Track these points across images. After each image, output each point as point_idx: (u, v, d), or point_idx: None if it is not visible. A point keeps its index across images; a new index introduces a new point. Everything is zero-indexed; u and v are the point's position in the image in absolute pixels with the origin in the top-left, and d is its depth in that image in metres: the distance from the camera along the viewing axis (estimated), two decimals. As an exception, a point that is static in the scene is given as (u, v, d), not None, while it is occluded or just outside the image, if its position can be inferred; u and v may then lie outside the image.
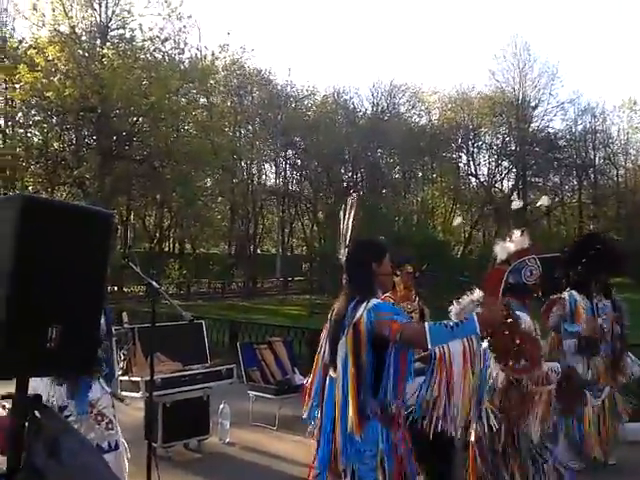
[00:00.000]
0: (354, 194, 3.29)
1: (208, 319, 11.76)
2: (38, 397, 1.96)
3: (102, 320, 4.09)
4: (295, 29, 58.98)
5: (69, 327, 1.88)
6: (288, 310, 19.03)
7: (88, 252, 1.95)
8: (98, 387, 3.98)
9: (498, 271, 3.65)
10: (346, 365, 2.67)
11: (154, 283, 3.74)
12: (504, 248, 3.61)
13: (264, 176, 33.55)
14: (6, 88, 19.66)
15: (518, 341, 2.96)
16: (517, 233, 3.58)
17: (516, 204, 4.12)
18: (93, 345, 2.01)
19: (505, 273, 3.58)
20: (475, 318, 2.54)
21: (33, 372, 1.91)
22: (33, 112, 19.92)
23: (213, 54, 20.12)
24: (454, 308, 3.70)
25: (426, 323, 2.62)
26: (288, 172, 33.08)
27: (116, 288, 17.47)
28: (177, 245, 31.03)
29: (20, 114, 20.03)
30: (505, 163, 35.79)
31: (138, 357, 5.59)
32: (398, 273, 6.22)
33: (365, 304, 2.65)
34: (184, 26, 19.70)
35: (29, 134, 21.66)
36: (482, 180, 36.05)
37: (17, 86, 17.88)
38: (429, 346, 2.53)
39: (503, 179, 36.54)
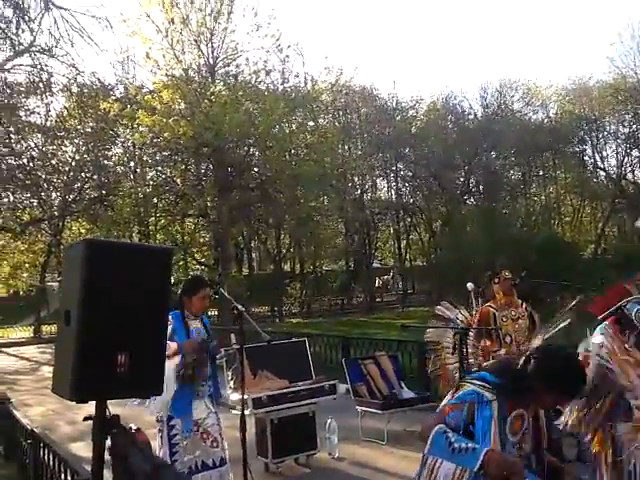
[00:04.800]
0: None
1: (323, 336, 12.17)
2: (115, 418, 2.21)
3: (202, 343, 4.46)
4: (396, 40, 58.90)
5: (136, 353, 2.12)
6: (412, 324, 18.87)
7: (150, 285, 2.19)
8: (203, 407, 4.28)
9: (621, 290, 3.19)
10: None
11: (240, 307, 4.01)
12: None
13: (378, 191, 33.78)
14: (131, 132, 21.70)
15: None
16: None
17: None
18: (159, 369, 2.23)
19: (624, 293, 3.14)
20: (482, 455, 2.36)
21: (107, 395, 2.15)
22: (155, 152, 21.80)
23: (312, 79, 20.78)
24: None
25: (437, 427, 2.45)
26: (400, 184, 33.02)
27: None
28: (298, 265, 32.01)
29: (145, 156, 21.95)
30: (635, 152, 33.05)
31: (246, 376, 5.92)
32: (497, 280, 6.05)
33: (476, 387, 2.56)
34: (287, 56, 20.58)
35: (157, 173, 23.68)
36: (611, 172, 33.59)
37: (141, 129, 19.71)
38: (426, 451, 2.47)
39: (634, 169, 33.77)
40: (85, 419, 2.21)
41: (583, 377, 2.55)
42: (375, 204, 31.70)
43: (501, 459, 2.39)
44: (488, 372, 2.63)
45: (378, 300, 30.30)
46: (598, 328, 3.16)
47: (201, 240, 24.79)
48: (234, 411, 5.17)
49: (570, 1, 52.71)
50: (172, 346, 4.01)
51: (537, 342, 2.71)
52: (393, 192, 32.83)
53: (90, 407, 2.13)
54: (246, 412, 5.40)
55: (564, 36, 54.75)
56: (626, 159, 33.22)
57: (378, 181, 33.61)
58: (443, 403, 2.64)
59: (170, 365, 3.89)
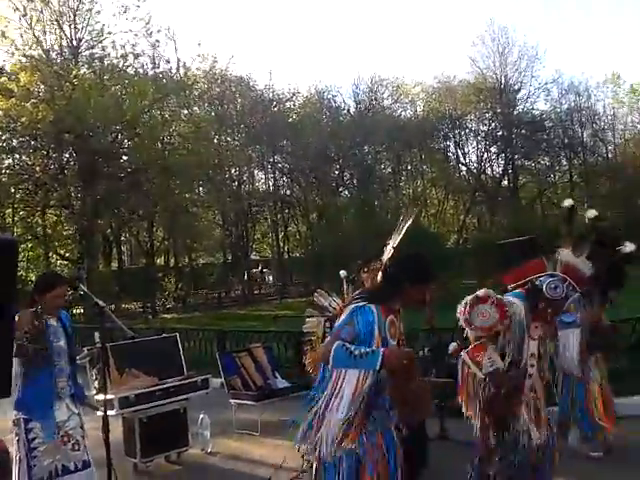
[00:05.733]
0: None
1: (198, 330, 11.89)
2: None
3: (62, 343, 4.15)
4: (272, 31, 58.81)
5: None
6: (284, 315, 19.01)
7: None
8: (64, 409, 4.04)
9: (539, 264, 3.40)
10: None
11: (101, 303, 3.79)
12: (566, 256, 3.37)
13: (255, 183, 33.63)
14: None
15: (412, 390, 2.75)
16: (584, 259, 3.35)
17: (568, 202, 3.76)
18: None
19: (541, 269, 3.35)
20: (380, 354, 2.59)
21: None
22: (11, 137, 20.03)
23: (185, 65, 20.30)
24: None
25: (336, 343, 2.63)
26: (277, 176, 33.13)
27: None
28: (172, 258, 31.06)
29: (0, 142, 20.07)
30: (493, 149, 35.70)
31: (112, 375, 5.61)
32: (366, 269, 6.25)
33: (356, 304, 2.84)
34: (157, 40, 19.87)
35: (14, 160, 21.77)
36: (472, 167, 36.04)
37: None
38: (330, 366, 2.68)
39: (492, 165, 36.52)
40: None
41: (429, 263, 2.96)
42: (253, 196, 31.56)
43: (398, 351, 2.69)
44: (359, 293, 3.04)
45: (256, 292, 30.25)
46: (514, 293, 3.38)
47: (64, 233, 23.13)
48: (100, 412, 4.90)
49: (435, 1, 55.56)
50: None
51: (388, 253, 2.94)
52: (271, 184, 32.87)
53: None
54: (113, 412, 5.18)
55: (430, 36, 57.72)
56: (485, 155, 35.90)
57: (255, 172, 33.51)
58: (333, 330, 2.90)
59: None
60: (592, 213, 3.73)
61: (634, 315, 7.01)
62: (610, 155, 36.16)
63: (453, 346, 7.31)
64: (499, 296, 3.24)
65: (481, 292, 3.25)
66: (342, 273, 6.55)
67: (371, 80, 34.38)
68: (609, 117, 35.99)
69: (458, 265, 19.35)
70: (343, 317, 2.81)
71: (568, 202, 3.74)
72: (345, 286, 6.47)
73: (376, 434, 2.74)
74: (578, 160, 35.98)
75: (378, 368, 2.58)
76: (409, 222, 3.15)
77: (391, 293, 2.83)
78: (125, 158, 20.40)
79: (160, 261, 30.50)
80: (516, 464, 3.13)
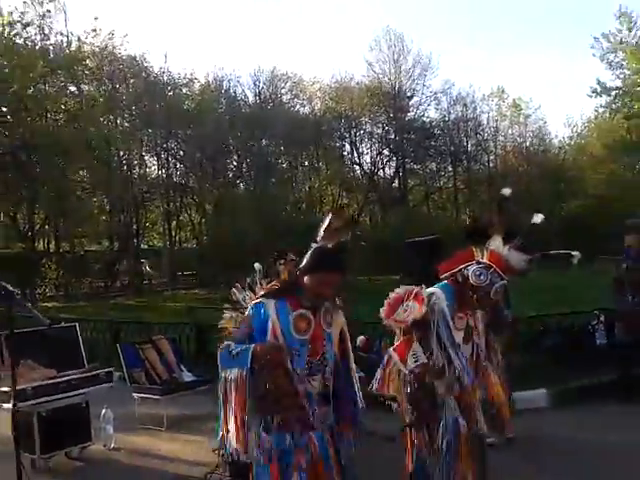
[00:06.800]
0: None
1: (89, 321, 11.25)
2: None
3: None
4: (170, 12, 56.47)
5: None
6: (176, 306, 18.52)
7: None
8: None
9: (469, 254, 3.48)
10: None
11: (9, 287, 3.50)
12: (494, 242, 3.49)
13: (147, 168, 32.21)
14: None
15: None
16: (506, 248, 3.45)
17: (506, 191, 3.75)
18: None
19: (470, 258, 3.45)
20: (250, 352, 2.51)
21: None
22: None
23: (79, 39, 19.06)
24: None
25: (224, 344, 2.61)
26: (171, 163, 31.98)
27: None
28: (53, 243, 29.03)
29: None
30: (386, 151, 36.98)
31: (6, 366, 5.22)
32: (282, 261, 6.27)
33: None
34: (48, 10, 18.50)
35: None
36: (366, 168, 37.10)
37: None
38: (219, 368, 2.62)
39: (385, 167, 37.82)
40: None
41: (330, 253, 2.68)
42: (144, 181, 30.29)
43: (266, 344, 2.57)
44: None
45: (145, 282, 29.14)
46: (439, 285, 3.47)
47: None
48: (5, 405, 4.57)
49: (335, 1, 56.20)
50: None
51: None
52: (164, 171, 31.70)
53: None
54: (8, 406, 4.79)
55: (329, 35, 58.12)
56: (378, 157, 37.11)
57: (147, 158, 32.11)
58: None
59: None
60: (539, 218, 3.63)
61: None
62: (491, 164, 38.71)
63: (360, 339, 7.56)
64: (417, 288, 3.32)
65: (400, 290, 3.31)
66: (256, 266, 6.53)
67: (271, 73, 34.26)
68: (492, 129, 38.51)
69: (352, 261, 19.91)
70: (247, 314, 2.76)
71: (507, 191, 3.74)
72: (258, 278, 6.46)
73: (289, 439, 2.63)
74: (462, 167, 38.20)
75: (249, 365, 2.49)
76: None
77: (289, 285, 2.78)
78: (6, 134, 18.78)
79: (39, 246, 28.43)
80: (447, 453, 3.25)
